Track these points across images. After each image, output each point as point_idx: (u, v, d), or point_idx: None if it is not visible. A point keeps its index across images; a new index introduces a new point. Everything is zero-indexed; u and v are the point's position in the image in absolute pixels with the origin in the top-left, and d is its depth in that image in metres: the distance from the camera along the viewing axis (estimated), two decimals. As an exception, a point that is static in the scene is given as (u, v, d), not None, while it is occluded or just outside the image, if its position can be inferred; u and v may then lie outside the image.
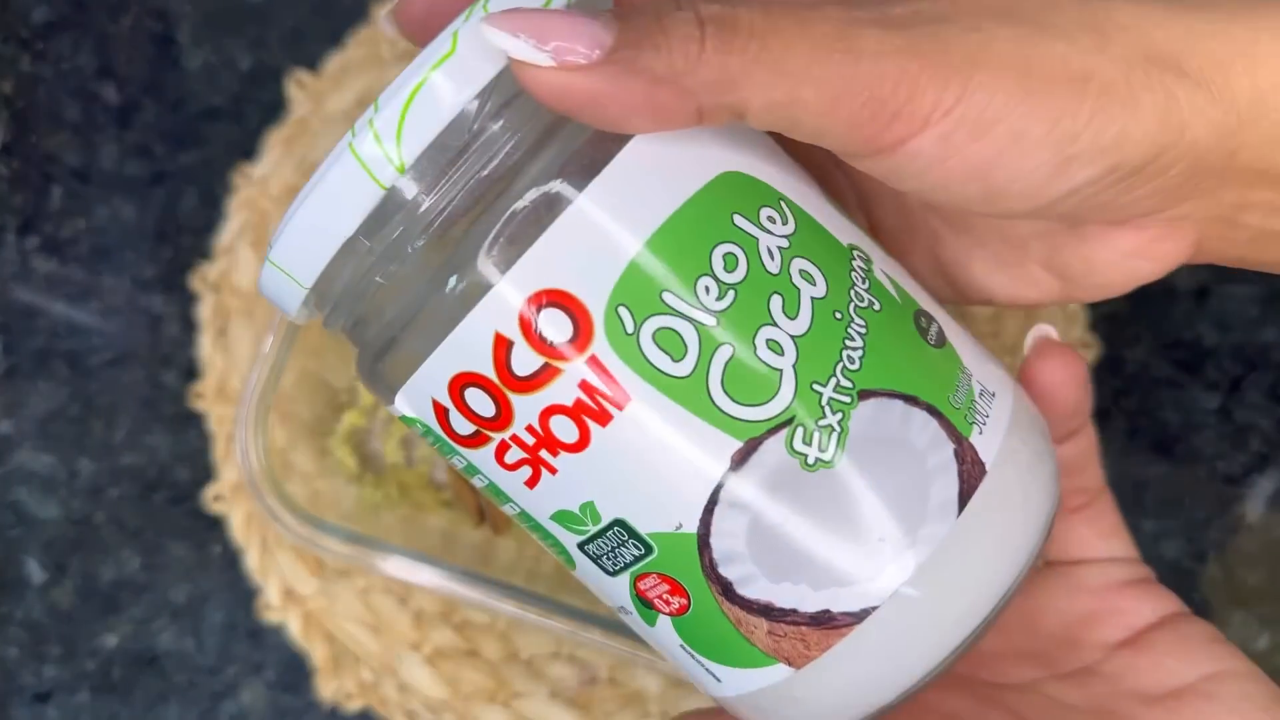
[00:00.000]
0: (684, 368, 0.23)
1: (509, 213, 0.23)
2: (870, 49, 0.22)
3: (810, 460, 0.24)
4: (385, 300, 0.25)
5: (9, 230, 0.46)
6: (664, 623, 0.26)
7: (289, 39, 0.46)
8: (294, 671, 0.45)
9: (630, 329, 0.23)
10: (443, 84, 0.23)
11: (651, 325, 0.23)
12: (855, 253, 0.26)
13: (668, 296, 0.23)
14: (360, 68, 0.46)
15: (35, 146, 0.46)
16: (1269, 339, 0.44)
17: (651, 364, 0.23)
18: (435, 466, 0.44)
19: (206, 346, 0.45)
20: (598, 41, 0.21)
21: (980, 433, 0.25)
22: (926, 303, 0.27)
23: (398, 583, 0.43)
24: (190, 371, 0.45)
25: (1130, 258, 0.26)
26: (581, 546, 0.26)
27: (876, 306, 0.25)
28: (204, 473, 0.45)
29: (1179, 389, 0.44)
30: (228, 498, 0.44)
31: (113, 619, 0.45)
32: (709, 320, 0.23)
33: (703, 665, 0.26)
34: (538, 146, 0.24)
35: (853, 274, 0.25)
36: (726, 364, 0.23)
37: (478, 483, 0.26)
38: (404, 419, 0.26)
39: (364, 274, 0.24)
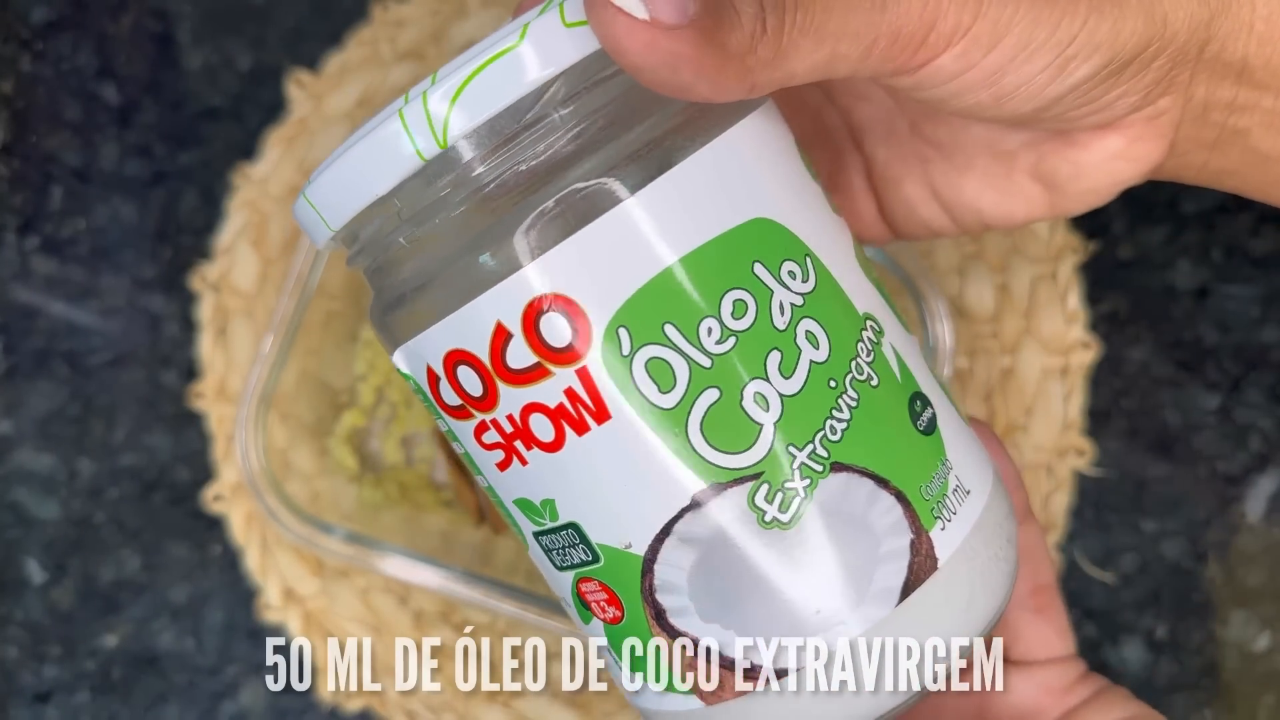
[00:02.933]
0: (668, 400, 0.24)
1: (537, 211, 0.23)
2: None
3: (767, 518, 0.24)
4: (405, 260, 0.25)
5: (9, 230, 0.46)
6: (596, 625, 0.26)
7: (289, 39, 0.46)
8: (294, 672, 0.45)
9: (626, 351, 0.23)
10: (502, 72, 0.23)
11: (647, 353, 0.23)
12: (869, 322, 0.26)
13: (669, 329, 0.23)
14: (360, 68, 0.46)
15: (35, 146, 0.46)
16: (1269, 339, 0.44)
17: (638, 389, 0.23)
18: (435, 467, 0.44)
19: (206, 346, 0.45)
20: (685, 7, 0.22)
21: (943, 528, 0.25)
22: (929, 387, 0.27)
23: (398, 583, 0.43)
24: (190, 371, 0.45)
25: (1114, 159, 0.28)
26: (536, 536, 0.26)
27: (874, 382, 0.25)
28: (204, 473, 0.45)
29: (1179, 389, 0.44)
30: (228, 498, 0.44)
31: (113, 619, 0.45)
32: (704, 361, 0.24)
33: (624, 671, 0.27)
34: (579, 154, 0.24)
35: (859, 344, 0.25)
36: (710, 407, 0.24)
37: (456, 447, 0.27)
38: (398, 372, 0.27)
39: (390, 232, 0.25)
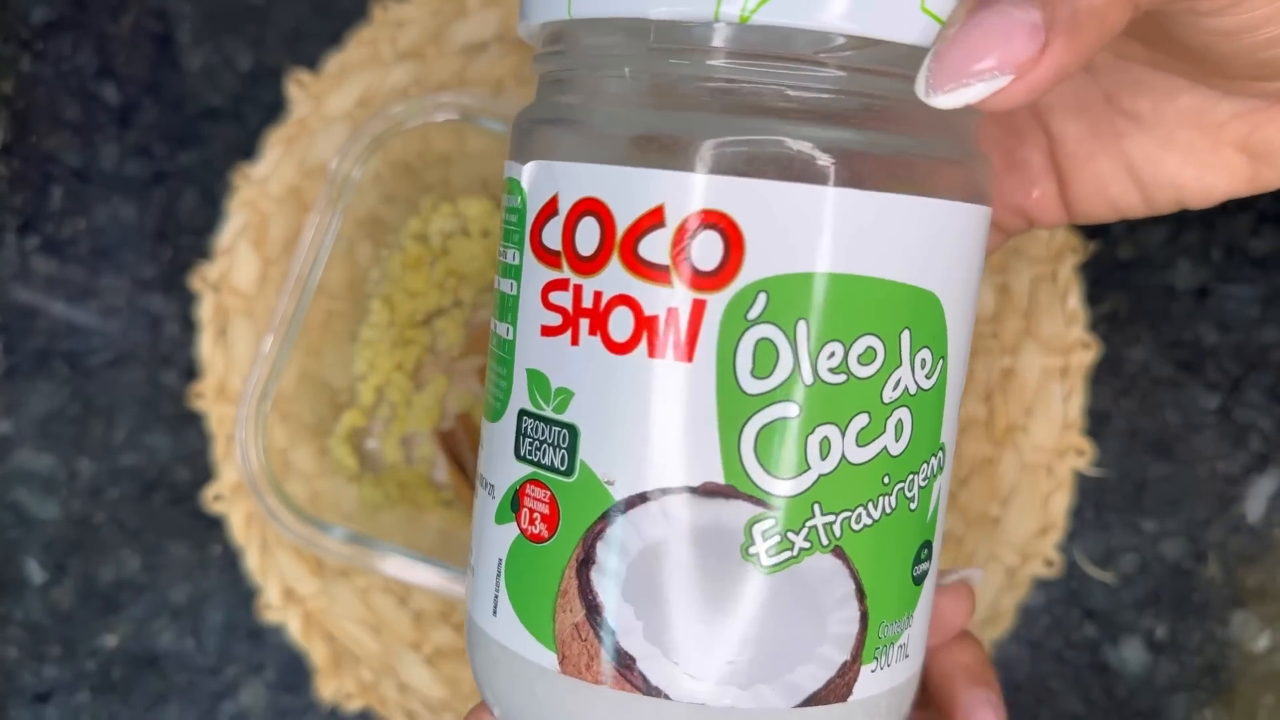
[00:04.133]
0: (749, 386, 0.23)
1: (775, 138, 0.22)
2: None
3: (750, 551, 0.23)
4: (609, 89, 0.24)
5: (9, 230, 0.46)
6: (508, 533, 0.25)
7: (289, 39, 0.46)
8: (294, 671, 0.45)
9: (752, 315, 0.22)
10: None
11: (766, 331, 0.22)
12: (940, 452, 0.25)
13: (801, 325, 0.22)
14: (360, 68, 0.46)
15: (35, 146, 0.46)
16: (1269, 339, 0.44)
17: (733, 358, 0.22)
18: (435, 466, 0.44)
19: (206, 346, 0.45)
20: (1032, 26, 0.21)
21: (873, 670, 0.25)
22: (939, 547, 0.26)
23: (398, 583, 0.43)
24: (190, 371, 0.45)
25: None
26: (522, 414, 0.24)
27: (913, 505, 0.25)
28: (204, 473, 0.45)
29: (1179, 389, 0.44)
30: (228, 498, 0.44)
31: (113, 619, 0.45)
32: (807, 377, 0.23)
33: (498, 593, 0.25)
34: (838, 117, 0.23)
35: (925, 464, 0.25)
36: (776, 420, 0.23)
37: (503, 286, 0.25)
38: (510, 182, 0.25)
39: (621, 55, 0.23)
